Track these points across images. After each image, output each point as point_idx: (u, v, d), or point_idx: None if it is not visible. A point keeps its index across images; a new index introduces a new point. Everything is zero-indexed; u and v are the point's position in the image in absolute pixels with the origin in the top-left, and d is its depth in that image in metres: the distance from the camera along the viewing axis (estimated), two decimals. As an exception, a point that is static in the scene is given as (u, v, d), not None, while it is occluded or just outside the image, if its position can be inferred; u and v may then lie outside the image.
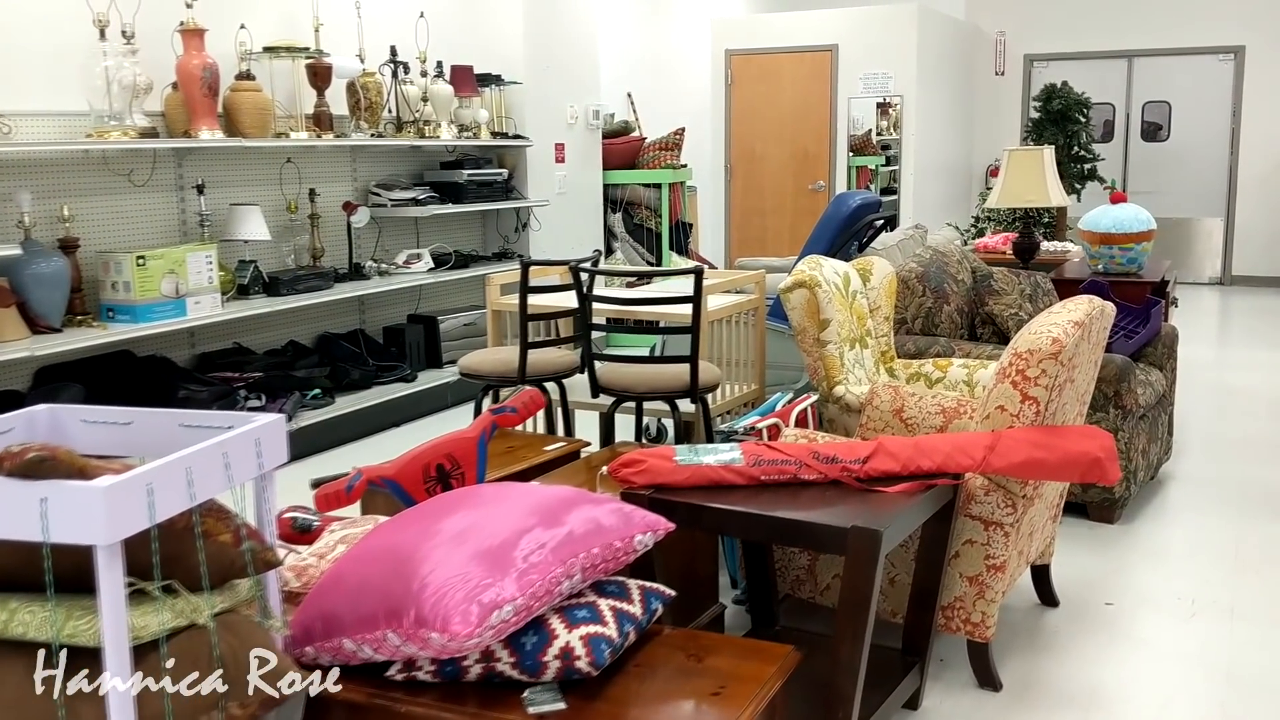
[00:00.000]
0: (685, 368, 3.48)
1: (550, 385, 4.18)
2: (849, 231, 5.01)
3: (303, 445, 5.21)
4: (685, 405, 3.85)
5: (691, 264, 3.91)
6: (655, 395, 3.41)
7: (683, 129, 8.09)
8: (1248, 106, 10.87)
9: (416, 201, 6.22)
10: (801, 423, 3.91)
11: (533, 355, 3.64)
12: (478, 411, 3.75)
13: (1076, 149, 8.74)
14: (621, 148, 8.08)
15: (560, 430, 4.00)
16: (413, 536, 2.15)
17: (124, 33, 4.72)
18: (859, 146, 10.37)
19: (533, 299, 3.94)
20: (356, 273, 5.97)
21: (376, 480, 2.49)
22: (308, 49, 5.52)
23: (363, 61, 5.95)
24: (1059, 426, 2.86)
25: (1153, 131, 11.36)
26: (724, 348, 4.24)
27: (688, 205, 8.37)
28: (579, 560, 2.12)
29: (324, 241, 5.95)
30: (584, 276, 3.59)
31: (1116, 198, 5.34)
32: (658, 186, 8.06)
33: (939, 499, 2.73)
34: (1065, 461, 2.78)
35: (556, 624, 2.09)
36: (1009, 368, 2.88)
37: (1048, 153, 5.53)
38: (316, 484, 2.67)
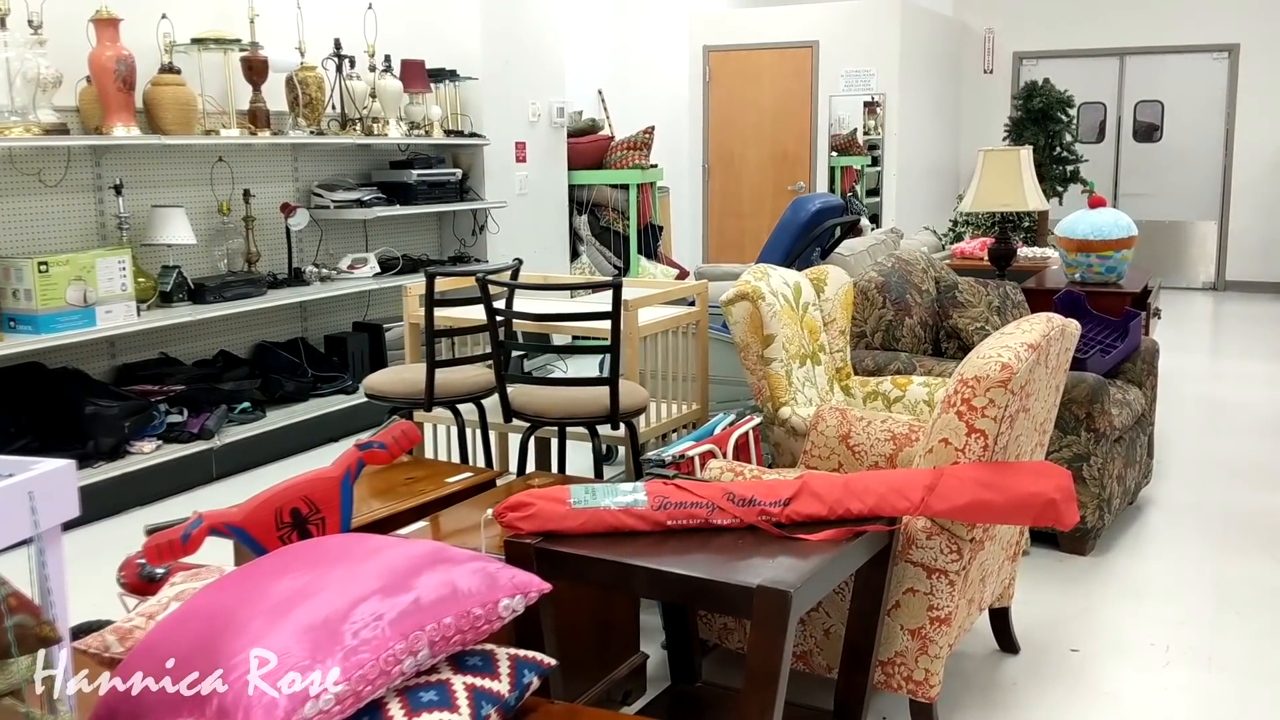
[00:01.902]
0: (605, 390, 3.16)
1: (469, 407, 3.85)
2: (808, 237, 4.70)
3: (229, 463, 4.89)
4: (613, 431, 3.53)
5: (610, 276, 3.59)
6: (573, 420, 3.09)
7: (652, 128, 7.77)
8: (1242, 107, 10.56)
9: (361, 203, 5.91)
10: (743, 448, 3.59)
11: (445, 375, 3.32)
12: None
13: (1059, 150, 8.40)
14: (588, 147, 7.76)
15: (478, 457, 3.68)
16: (234, 602, 1.83)
17: (30, 22, 4.40)
18: (843, 146, 10.06)
19: (448, 312, 3.62)
20: (296, 278, 5.65)
21: (219, 527, 2.17)
22: (240, 41, 5.20)
23: (303, 55, 5.63)
24: (1010, 463, 2.54)
25: (1145, 132, 11.04)
26: (664, 364, 3.93)
27: (657, 207, 8.05)
28: (426, 634, 1.80)
29: (260, 245, 5.63)
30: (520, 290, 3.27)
31: (1095, 202, 5.02)
32: (625, 187, 7.75)
33: (871, 546, 2.41)
34: (1015, 503, 2.47)
35: (396, 710, 1.77)
36: (954, 396, 2.57)
37: (1025, 153, 5.22)
38: (151, 531, 2.36)
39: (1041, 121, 8.26)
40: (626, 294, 3.67)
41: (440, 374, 3.30)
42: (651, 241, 8.00)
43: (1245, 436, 5.43)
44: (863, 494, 2.43)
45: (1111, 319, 4.47)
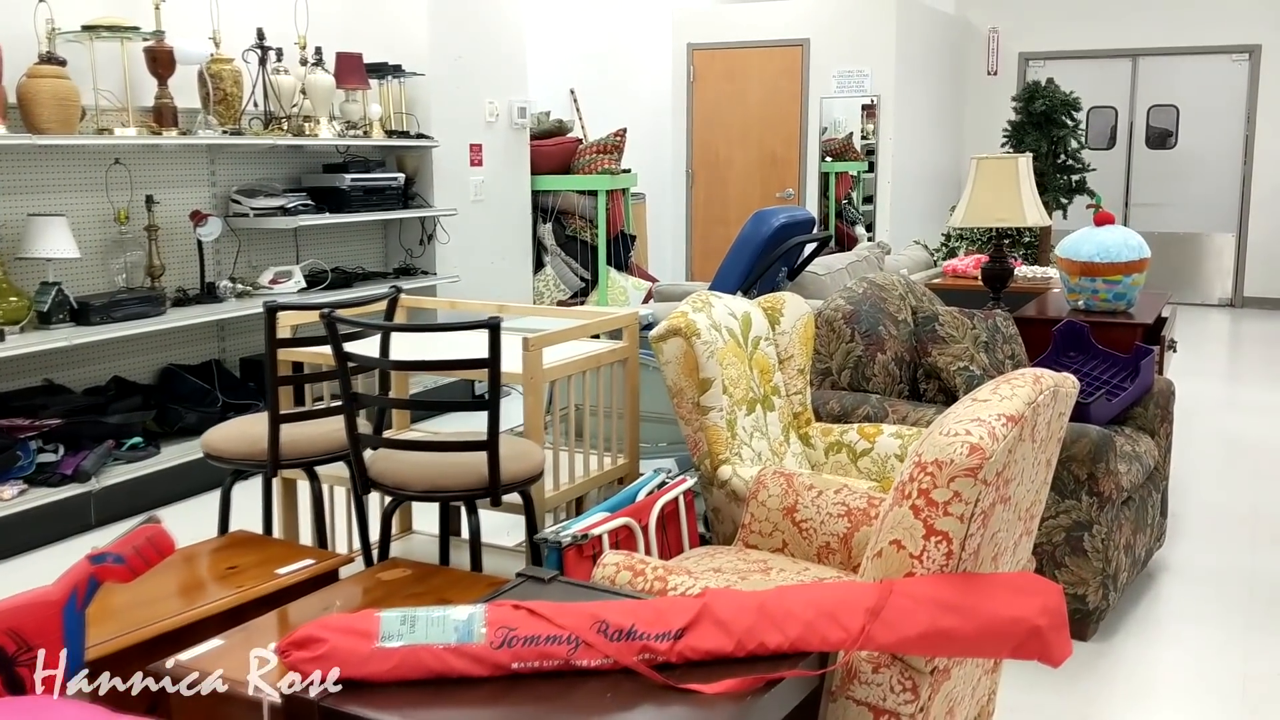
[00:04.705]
0: (482, 456, 2.55)
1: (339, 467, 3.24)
2: (771, 256, 4.09)
3: (112, 508, 4.30)
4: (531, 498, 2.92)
5: (489, 316, 2.96)
6: (444, 494, 2.49)
7: (623, 130, 7.17)
8: (1263, 111, 9.92)
9: (285, 210, 5.31)
10: (672, 517, 2.99)
11: (299, 429, 2.72)
12: (224, 514, 2.80)
13: (1063, 157, 7.75)
14: (554, 150, 7.16)
15: (341, 534, 3.07)
16: None
17: (-127, 3, 3.82)
18: (839, 151, 9.44)
19: (321, 350, 3.02)
20: (209, 294, 5.05)
21: (-117, 676, 1.57)
22: (139, 29, 4.61)
23: (217, 45, 5.04)
24: (981, 576, 1.93)
25: (1159, 138, 10.40)
26: (594, 404, 3.32)
27: (630, 215, 7.44)
28: None
29: (168, 258, 5.04)
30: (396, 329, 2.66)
31: (1102, 218, 4.41)
32: (594, 194, 7.15)
33: (795, 694, 1.80)
34: (987, 632, 1.86)
35: None
36: (909, 484, 1.96)
37: (1023, 162, 4.60)
38: None
39: (1044, 125, 7.60)
40: (531, 327, 3.06)
41: (292, 429, 2.70)
42: (623, 252, 7.40)
43: (1270, 484, 4.81)
44: (783, 621, 1.82)
45: (1119, 355, 3.86)
